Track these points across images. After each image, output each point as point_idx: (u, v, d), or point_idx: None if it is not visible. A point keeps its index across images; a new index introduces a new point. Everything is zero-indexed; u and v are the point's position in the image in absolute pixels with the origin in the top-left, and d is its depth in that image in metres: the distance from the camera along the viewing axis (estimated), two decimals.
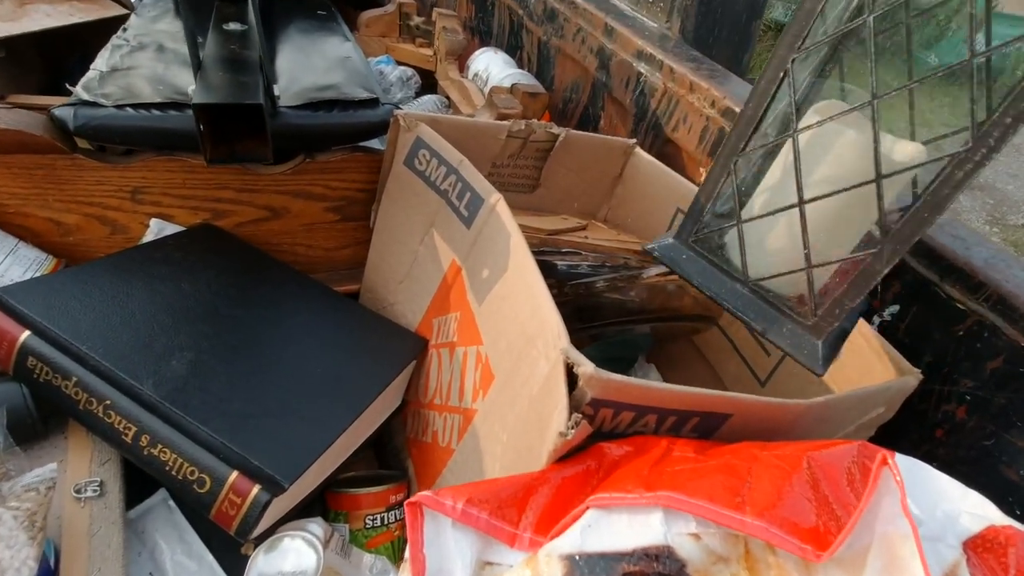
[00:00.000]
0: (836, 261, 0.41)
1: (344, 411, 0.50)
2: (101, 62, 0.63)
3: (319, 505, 0.54)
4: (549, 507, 0.30)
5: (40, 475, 0.40)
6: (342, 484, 0.54)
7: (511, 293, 0.47)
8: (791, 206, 0.40)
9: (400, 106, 0.78)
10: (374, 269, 0.68)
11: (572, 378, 0.34)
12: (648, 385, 0.33)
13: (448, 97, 0.93)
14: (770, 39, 4.05)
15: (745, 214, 0.44)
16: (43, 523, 0.37)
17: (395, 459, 0.64)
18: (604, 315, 0.64)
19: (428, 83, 1.02)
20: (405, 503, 0.29)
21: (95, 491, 0.43)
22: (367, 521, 0.53)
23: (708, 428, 0.38)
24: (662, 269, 0.61)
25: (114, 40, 0.69)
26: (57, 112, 0.54)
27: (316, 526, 0.47)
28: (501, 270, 0.49)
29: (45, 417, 0.46)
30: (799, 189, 0.40)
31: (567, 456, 0.34)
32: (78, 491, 0.43)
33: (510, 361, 0.44)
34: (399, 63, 1.01)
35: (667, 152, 0.78)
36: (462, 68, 1.02)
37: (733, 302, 0.44)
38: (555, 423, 0.33)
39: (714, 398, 0.36)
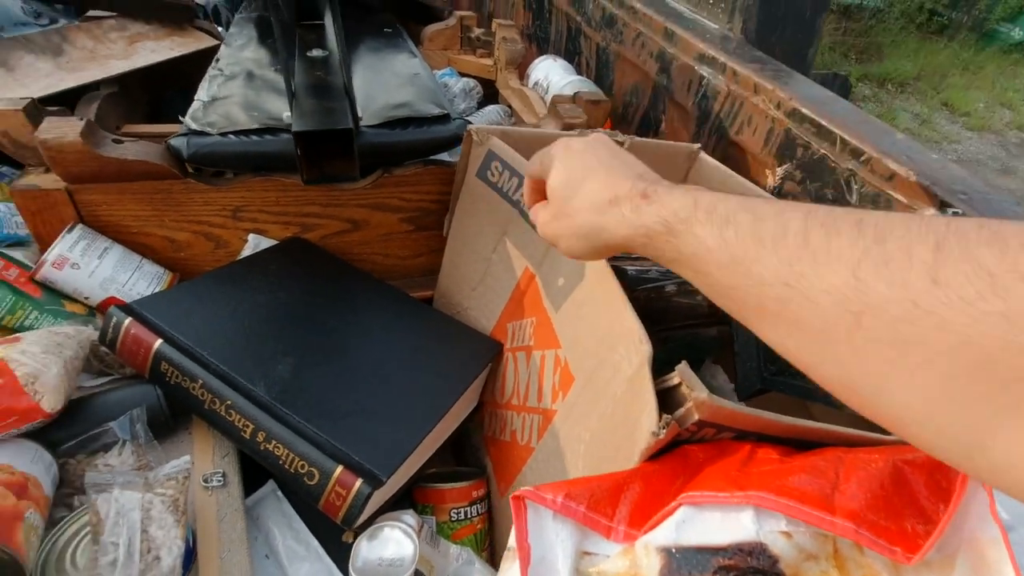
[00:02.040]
0: None
1: (430, 411, 0.53)
2: (203, 92, 0.69)
3: (407, 498, 0.58)
4: (640, 503, 0.33)
5: (176, 466, 0.45)
6: (428, 479, 0.58)
7: (589, 299, 0.49)
8: None
9: (466, 118, 0.81)
10: (448, 276, 0.72)
11: (668, 392, 0.36)
12: (759, 415, 0.35)
13: (510, 106, 0.96)
14: (832, 22, 3.90)
15: None
16: (184, 508, 0.42)
17: (473, 457, 0.67)
18: (672, 318, 0.65)
19: (489, 92, 1.06)
20: (511, 496, 0.32)
21: (219, 481, 0.49)
22: (452, 514, 0.57)
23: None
24: None
25: (210, 71, 0.75)
26: (173, 142, 0.60)
27: (410, 517, 0.50)
28: (577, 277, 0.51)
29: (174, 415, 0.52)
30: None
31: (653, 457, 0.36)
32: (206, 481, 0.48)
33: (591, 364, 0.47)
34: (461, 74, 1.05)
35: (731, 155, 0.78)
36: (522, 76, 1.05)
37: None
38: (645, 424, 0.35)
39: (826, 432, 0.36)
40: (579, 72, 1.02)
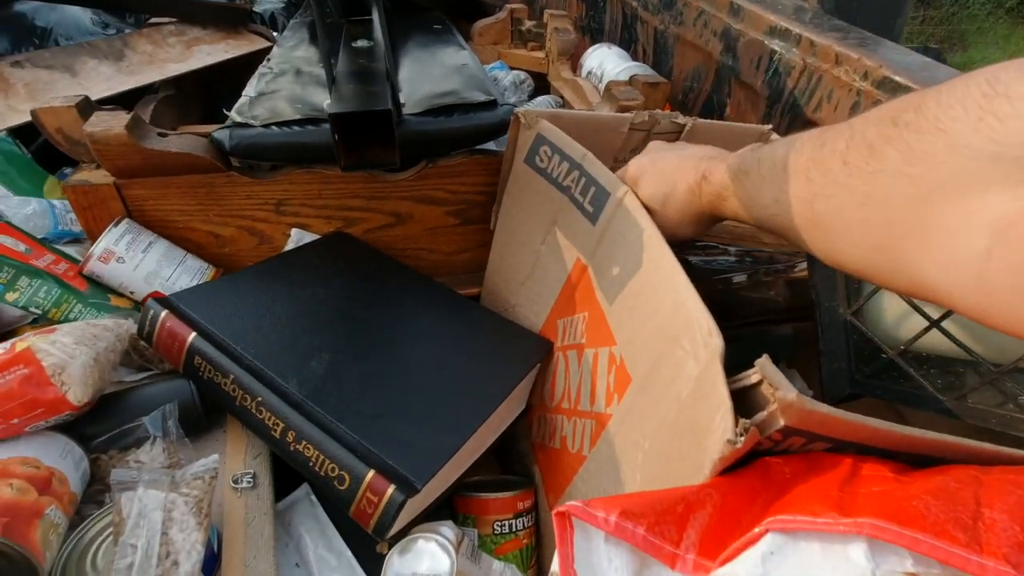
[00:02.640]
0: None
1: (473, 414, 0.49)
2: (250, 88, 0.68)
3: (447, 508, 0.54)
4: (713, 526, 0.27)
5: (205, 465, 0.43)
6: (469, 487, 0.53)
7: (646, 289, 0.44)
8: None
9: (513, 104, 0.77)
10: (495, 271, 0.68)
11: (745, 392, 0.30)
12: (864, 421, 0.28)
13: (562, 96, 0.91)
14: (910, 10, 3.63)
15: None
16: (208, 510, 0.40)
17: (520, 464, 0.62)
18: (742, 314, 0.58)
19: (541, 86, 1.01)
20: (553, 512, 0.27)
21: (249, 483, 0.46)
22: (495, 527, 0.52)
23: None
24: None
25: (260, 69, 0.75)
26: (216, 135, 0.59)
27: (448, 529, 0.46)
28: (634, 265, 0.46)
29: (208, 412, 0.50)
30: None
31: (727, 471, 0.30)
32: (235, 482, 0.46)
33: (649, 362, 0.41)
34: (512, 68, 1.01)
35: None
36: (575, 67, 1.00)
37: None
38: (719, 429, 0.29)
39: (954, 446, 0.29)
40: (635, 59, 0.96)
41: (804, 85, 0.68)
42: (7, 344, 0.39)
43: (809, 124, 0.69)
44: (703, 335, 0.36)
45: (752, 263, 0.56)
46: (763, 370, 0.29)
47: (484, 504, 0.52)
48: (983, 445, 0.29)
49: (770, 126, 0.68)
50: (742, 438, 0.28)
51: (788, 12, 0.73)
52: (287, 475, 0.49)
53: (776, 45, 0.71)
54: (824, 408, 0.28)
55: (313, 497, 0.51)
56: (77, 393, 0.40)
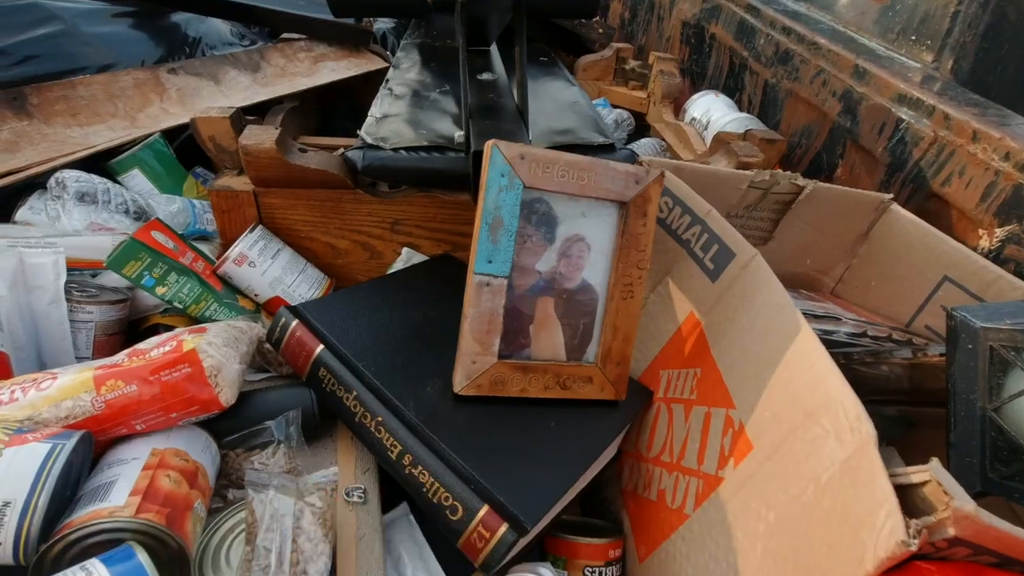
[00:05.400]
0: None
1: (579, 457, 0.49)
2: (375, 109, 0.72)
3: (538, 547, 0.54)
4: None
5: (325, 476, 0.45)
6: (561, 528, 0.53)
7: (777, 358, 0.43)
8: None
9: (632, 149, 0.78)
10: None
11: (904, 490, 0.29)
12: None
13: (664, 139, 0.92)
14: None
15: None
16: (332, 523, 0.41)
17: (605, 509, 0.62)
18: (858, 391, 0.57)
19: (640, 125, 1.02)
20: None
21: (360, 497, 0.48)
22: (586, 572, 0.52)
23: None
24: (938, 348, 0.53)
25: (382, 90, 0.79)
26: (349, 154, 0.62)
27: (547, 571, 0.46)
28: (762, 332, 0.45)
29: (322, 421, 0.52)
30: None
31: None
32: (348, 495, 0.47)
33: (778, 434, 0.41)
34: (614, 106, 1.02)
35: (929, 209, 0.68)
36: (677, 111, 1.01)
37: None
38: (884, 526, 0.29)
39: None
40: (741, 109, 0.96)
41: (932, 158, 0.67)
42: (172, 341, 0.42)
43: (935, 198, 0.67)
44: (849, 417, 0.35)
45: (871, 340, 0.54)
46: (935, 472, 0.29)
47: (576, 548, 0.52)
48: None
49: (891, 195, 0.66)
50: (916, 541, 0.27)
51: (917, 80, 0.72)
52: (384, 491, 0.51)
53: (904, 113, 0.70)
54: (1005, 525, 0.27)
55: (412, 517, 0.52)
56: (227, 395, 0.42)
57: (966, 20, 0.69)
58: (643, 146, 0.87)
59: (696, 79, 1.17)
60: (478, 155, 0.54)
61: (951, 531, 0.28)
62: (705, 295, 0.54)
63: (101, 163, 0.67)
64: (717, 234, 0.53)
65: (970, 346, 0.44)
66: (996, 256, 0.59)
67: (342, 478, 0.49)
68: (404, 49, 0.99)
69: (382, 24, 1.26)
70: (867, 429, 0.34)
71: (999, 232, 0.59)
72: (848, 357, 0.52)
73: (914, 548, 0.27)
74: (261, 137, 0.58)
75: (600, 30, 1.20)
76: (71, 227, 0.58)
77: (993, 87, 0.72)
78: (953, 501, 0.28)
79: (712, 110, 0.91)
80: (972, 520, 0.27)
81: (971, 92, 0.69)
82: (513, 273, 0.50)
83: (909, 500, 0.30)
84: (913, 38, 0.77)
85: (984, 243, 0.61)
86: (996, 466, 0.43)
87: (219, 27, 0.88)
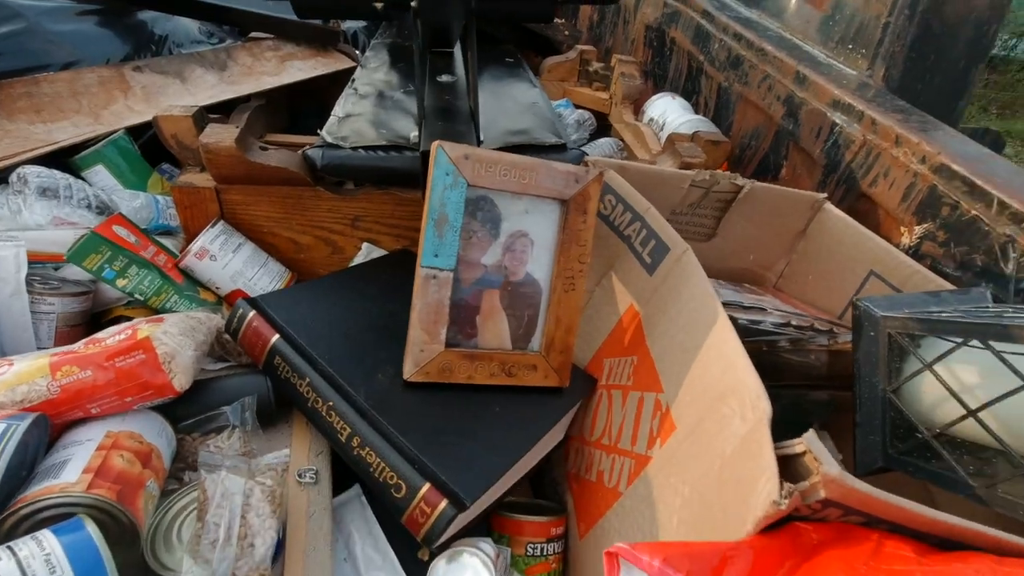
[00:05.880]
0: None
1: (521, 439, 0.52)
2: (339, 108, 0.74)
3: (484, 525, 0.57)
4: None
5: (277, 457, 0.47)
6: (507, 508, 0.57)
7: (698, 346, 0.47)
8: None
9: (583, 149, 0.81)
10: None
11: (787, 460, 0.33)
12: (902, 505, 0.31)
13: (623, 139, 0.95)
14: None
15: None
16: (280, 500, 0.44)
17: (552, 490, 0.65)
18: (782, 376, 0.61)
19: (602, 125, 1.06)
20: (604, 552, 0.30)
21: (311, 478, 0.50)
22: (528, 548, 0.55)
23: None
24: (850, 336, 0.57)
25: (346, 89, 0.81)
26: (309, 152, 0.65)
27: (488, 546, 0.49)
28: (688, 322, 0.49)
29: (278, 407, 0.55)
30: None
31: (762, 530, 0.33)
32: (300, 476, 0.50)
33: (696, 414, 0.44)
34: (576, 106, 1.06)
35: (860, 208, 0.73)
36: (637, 112, 1.04)
37: None
38: (763, 490, 0.32)
39: (979, 535, 0.32)
40: (697, 111, 1.00)
41: (862, 160, 0.71)
42: (128, 329, 0.44)
43: (864, 198, 0.71)
44: (751, 398, 0.39)
45: (795, 329, 0.58)
46: (809, 443, 0.32)
47: (520, 525, 0.55)
48: (1007, 537, 0.31)
49: (825, 195, 0.71)
50: (786, 501, 0.31)
51: (852, 87, 0.76)
52: (337, 475, 0.54)
53: (838, 118, 0.74)
54: (865, 487, 0.30)
55: (364, 498, 0.54)
56: (181, 380, 0.45)
57: (895, 31, 0.73)
58: (600, 146, 0.91)
59: (658, 81, 1.21)
60: (426, 155, 0.57)
61: (822, 493, 0.32)
62: (643, 287, 0.57)
63: (65, 159, 0.68)
64: (655, 230, 0.57)
65: (872, 333, 0.48)
66: (915, 252, 0.64)
67: (295, 460, 0.52)
68: (373, 49, 1.02)
69: (353, 23, 1.27)
70: (764, 407, 0.37)
71: (918, 230, 0.64)
72: (772, 345, 0.56)
73: (783, 508, 0.31)
74: (222, 135, 0.60)
75: (566, 32, 1.23)
76: (33, 221, 0.59)
77: (922, 94, 0.76)
78: (822, 467, 0.31)
79: (668, 112, 0.95)
80: (838, 483, 0.31)
81: (900, 99, 0.73)
82: (459, 267, 0.53)
83: (793, 469, 0.34)
84: (850, 47, 0.81)
85: (905, 240, 0.65)
86: (895, 443, 0.47)
87: (187, 25, 0.90)
